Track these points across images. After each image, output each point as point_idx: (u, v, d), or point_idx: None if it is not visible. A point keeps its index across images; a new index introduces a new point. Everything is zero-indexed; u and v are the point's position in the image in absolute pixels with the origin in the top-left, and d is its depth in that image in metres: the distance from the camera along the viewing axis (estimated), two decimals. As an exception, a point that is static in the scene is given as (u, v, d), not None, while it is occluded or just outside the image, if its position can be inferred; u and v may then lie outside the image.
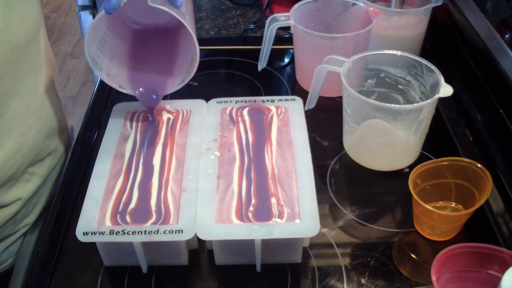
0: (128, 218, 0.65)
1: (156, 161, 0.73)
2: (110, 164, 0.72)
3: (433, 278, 0.59)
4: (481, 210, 0.71)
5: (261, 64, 0.98)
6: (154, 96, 0.78)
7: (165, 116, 0.80)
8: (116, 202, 0.67)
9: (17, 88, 0.71)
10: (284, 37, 1.11)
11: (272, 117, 0.79)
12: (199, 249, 0.70)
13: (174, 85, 0.78)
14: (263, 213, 0.65)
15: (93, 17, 1.81)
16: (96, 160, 0.73)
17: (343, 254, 0.70)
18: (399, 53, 0.81)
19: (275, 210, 0.65)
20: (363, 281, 0.66)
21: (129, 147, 0.75)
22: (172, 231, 0.63)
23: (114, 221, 0.64)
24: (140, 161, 0.73)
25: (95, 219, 0.64)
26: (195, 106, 0.82)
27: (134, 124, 0.79)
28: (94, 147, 0.76)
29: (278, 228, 0.63)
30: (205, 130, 0.77)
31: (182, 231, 0.63)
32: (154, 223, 0.64)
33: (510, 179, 0.77)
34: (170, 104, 0.82)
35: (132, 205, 0.67)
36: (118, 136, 0.77)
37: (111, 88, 0.89)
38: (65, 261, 0.70)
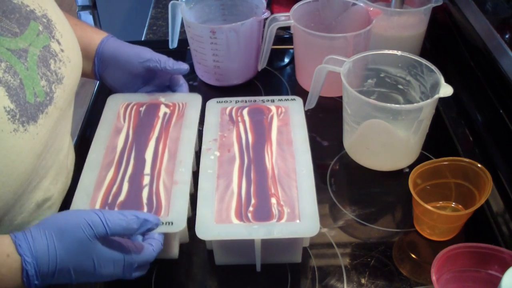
0: (116, 210, 0.65)
1: (149, 154, 0.72)
2: (102, 155, 0.72)
3: (433, 278, 0.59)
4: (481, 210, 0.71)
5: (261, 64, 0.98)
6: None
7: (162, 110, 0.80)
8: (105, 194, 0.67)
9: (69, 123, 0.73)
10: (284, 37, 1.11)
11: (272, 117, 0.79)
12: (198, 249, 0.70)
13: None
14: (263, 213, 0.65)
15: (93, 17, 1.81)
16: (89, 151, 0.73)
17: (343, 254, 0.70)
18: (399, 53, 0.81)
19: (275, 210, 0.65)
20: (363, 281, 0.66)
21: (122, 139, 0.75)
22: (162, 223, 0.63)
23: None
24: (132, 154, 0.73)
25: None
26: (190, 99, 0.82)
27: (127, 116, 0.79)
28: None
29: (278, 228, 0.62)
30: (205, 129, 0.77)
31: (172, 223, 0.63)
32: None
33: (510, 179, 0.77)
34: (165, 97, 0.82)
35: (122, 197, 0.67)
36: (111, 127, 0.77)
37: (108, 87, 0.89)
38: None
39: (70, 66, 0.67)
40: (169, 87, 0.86)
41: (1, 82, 0.55)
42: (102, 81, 0.85)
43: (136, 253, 0.58)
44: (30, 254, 0.54)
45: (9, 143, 0.55)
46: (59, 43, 0.66)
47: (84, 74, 0.82)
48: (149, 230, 0.59)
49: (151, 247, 0.60)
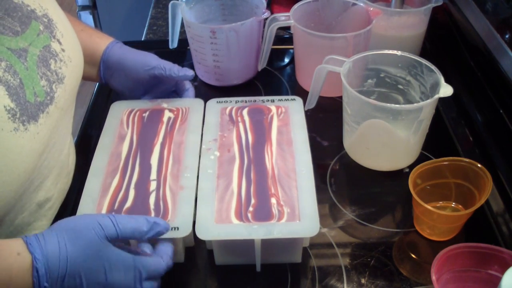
0: None
1: (154, 160, 0.73)
2: (107, 162, 0.72)
3: (433, 278, 0.59)
4: (481, 210, 0.71)
5: (261, 64, 0.98)
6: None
7: (166, 115, 0.80)
8: (111, 200, 0.67)
9: (70, 123, 0.73)
10: (284, 37, 1.11)
11: (272, 117, 0.79)
12: (199, 248, 0.70)
13: None
14: (263, 213, 0.65)
15: (93, 17, 1.81)
16: (93, 158, 0.73)
17: (343, 254, 0.70)
18: (399, 53, 0.81)
19: (275, 210, 0.65)
20: (363, 281, 0.66)
21: (126, 145, 0.75)
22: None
23: None
24: (137, 160, 0.73)
25: None
26: (193, 104, 0.82)
27: (130, 122, 0.79)
28: (94, 147, 0.76)
29: (278, 228, 0.62)
30: (205, 130, 0.77)
31: (178, 228, 0.63)
32: None
33: (510, 179, 0.77)
34: (168, 103, 0.82)
35: (128, 204, 0.67)
36: (115, 134, 0.77)
37: (111, 88, 0.89)
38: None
39: (71, 66, 0.67)
40: (176, 92, 0.86)
41: (1, 81, 0.55)
42: (109, 86, 0.85)
43: (147, 260, 0.58)
44: (41, 252, 0.53)
45: (10, 142, 0.55)
46: (60, 43, 0.66)
47: (90, 79, 0.83)
48: (159, 234, 0.59)
49: (160, 258, 0.60)
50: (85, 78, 0.84)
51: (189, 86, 0.85)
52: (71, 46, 0.69)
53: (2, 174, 0.55)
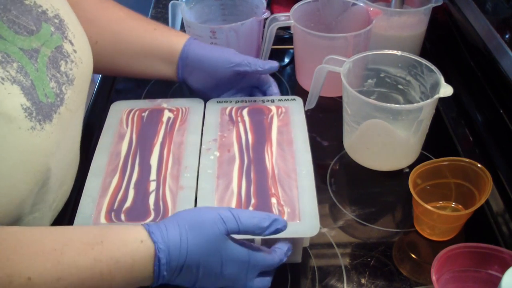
0: (123, 217, 0.65)
1: (154, 160, 0.73)
2: (106, 161, 0.72)
3: (433, 278, 0.59)
4: (481, 210, 0.71)
5: (261, 64, 0.98)
6: None
7: (166, 115, 0.80)
8: (111, 199, 0.67)
9: (80, 125, 0.73)
10: (284, 37, 1.11)
11: (272, 117, 0.79)
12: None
13: None
14: (263, 213, 0.65)
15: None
16: (93, 158, 0.73)
17: (343, 254, 0.70)
18: (399, 53, 0.81)
19: (275, 210, 0.65)
20: (363, 281, 0.66)
21: (125, 145, 0.75)
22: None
23: (108, 218, 0.65)
24: (137, 159, 0.73)
25: (91, 216, 0.65)
26: (193, 104, 0.82)
27: (130, 122, 0.79)
28: (94, 147, 0.76)
29: (278, 228, 0.62)
30: (205, 130, 0.77)
31: None
32: (153, 221, 0.64)
33: (510, 179, 0.77)
34: (168, 103, 0.82)
35: (128, 203, 0.67)
36: (115, 134, 0.77)
37: (111, 88, 0.89)
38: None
39: (82, 67, 0.67)
40: (257, 87, 0.86)
41: (15, 81, 0.55)
42: (186, 84, 0.85)
43: (261, 255, 0.58)
44: (163, 242, 0.53)
45: (27, 141, 0.55)
46: (71, 44, 0.66)
47: (165, 77, 0.83)
48: (278, 231, 0.58)
49: (274, 254, 0.60)
50: (161, 77, 0.84)
51: (272, 82, 0.85)
52: (82, 47, 0.69)
53: (19, 173, 0.55)
